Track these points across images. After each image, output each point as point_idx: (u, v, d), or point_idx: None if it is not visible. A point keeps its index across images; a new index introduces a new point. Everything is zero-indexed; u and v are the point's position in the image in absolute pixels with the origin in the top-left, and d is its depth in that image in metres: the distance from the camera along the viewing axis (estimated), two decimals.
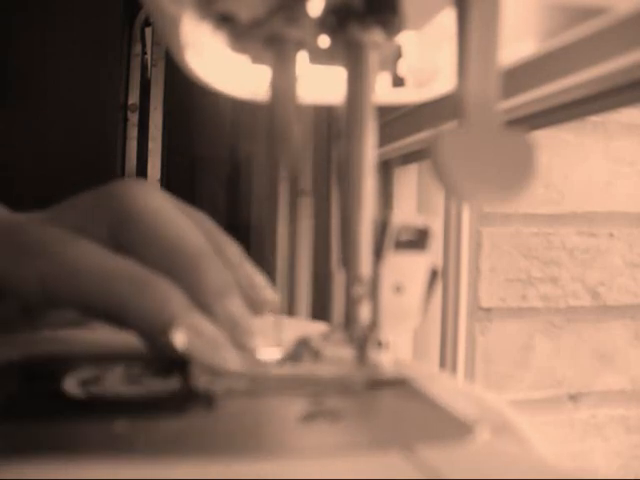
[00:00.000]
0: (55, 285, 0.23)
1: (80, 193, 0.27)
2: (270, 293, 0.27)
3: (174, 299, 0.22)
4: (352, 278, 0.21)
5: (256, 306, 0.26)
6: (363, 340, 0.20)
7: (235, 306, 0.23)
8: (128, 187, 0.26)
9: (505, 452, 0.17)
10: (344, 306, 0.21)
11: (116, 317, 0.22)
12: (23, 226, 0.25)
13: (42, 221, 0.26)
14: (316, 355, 0.21)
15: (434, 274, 0.21)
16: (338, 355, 0.21)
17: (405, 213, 0.20)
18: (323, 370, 0.20)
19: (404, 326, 0.21)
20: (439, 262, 0.60)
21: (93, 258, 0.23)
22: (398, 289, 0.20)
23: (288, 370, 0.21)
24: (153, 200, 0.26)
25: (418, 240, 0.20)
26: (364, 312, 0.21)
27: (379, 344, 0.21)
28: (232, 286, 0.24)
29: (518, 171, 0.17)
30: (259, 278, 0.27)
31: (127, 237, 0.25)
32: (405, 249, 0.20)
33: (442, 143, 0.17)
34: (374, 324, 0.20)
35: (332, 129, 0.61)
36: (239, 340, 0.22)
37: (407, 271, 0.20)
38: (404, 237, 0.20)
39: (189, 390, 0.19)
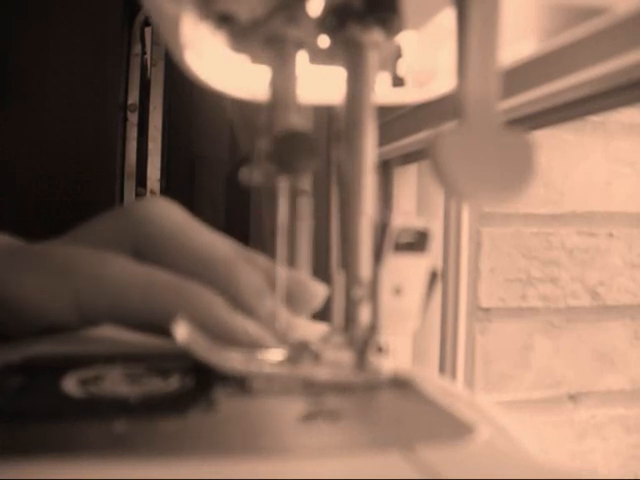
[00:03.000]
0: (92, 301, 0.23)
1: (97, 216, 0.27)
2: (319, 287, 0.27)
3: (217, 303, 0.22)
4: (352, 280, 0.21)
5: (305, 301, 0.26)
6: (363, 343, 0.20)
7: (274, 305, 0.24)
8: (148, 205, 0.26)
9: (505, 452, 0.17)
10: (344, 308, 0.21)
11: (159, 326, 0.22)
12: (48, 248, 0.25)
13: (63, 244, 0.26)
14: (316, 358, 0.21)
15: (434, 276, 0.21)
16: (338, 358, 0.21)
17: (404, 215, 0.20)
18: (322, 373, 0.20)
19: (403, 328, 0.21)
20: (439, 264, 0.60)
21: (129, 270, 0.23)
22: (398, 291, 0.20)
23: (287, 372, 0.21)
24: (175, 215, 0.26)
25: (418, 242, 0.20)
26: (364, 314, 0.21)
27: (379, 348, 0.21)
28: (266, 287, 0.24)
29: (518, 171, 0.17)
30: (302, 275, 0.27)
31: (154, 253, 0.25)
32: (405, 251, 0.20)
33: (442, 143, 0.17)
34: (374, 327, 0.20)
35: (332, 129, 0.61)
36: (283, 337, 0.23)
37: (407, 273, 0.20)
38: (404, 239, 0.20)
39: (189, 390, 0.19)
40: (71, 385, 0.19)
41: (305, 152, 0.21)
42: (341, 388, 0.20)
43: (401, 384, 0.21)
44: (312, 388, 0.20)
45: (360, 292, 0.21)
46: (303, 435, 0.17)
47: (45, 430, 0.16)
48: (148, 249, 0.25)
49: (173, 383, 0.20)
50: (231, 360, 0.20)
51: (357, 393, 0.20)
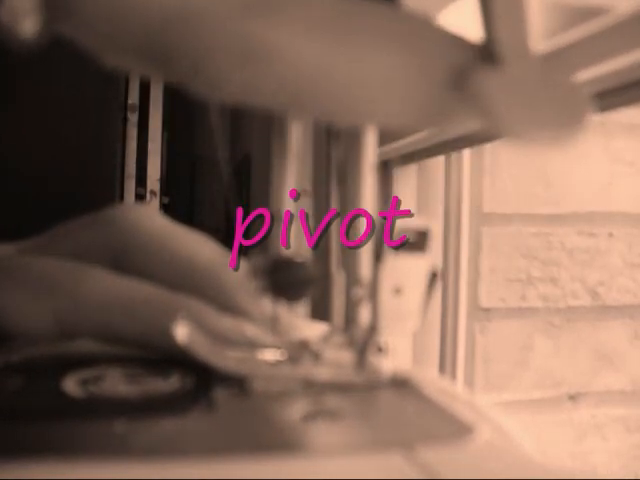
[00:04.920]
0: (73, 319, 0.22)
1: (73, 219, 0.26)
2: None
3: (205, 311, 0.22)
4: (352, 280, 0.21)
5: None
6: (363, 343, 0.20)
7: (267, 304, 0.23)
8: (127, 211, 0.25)
9: (505, 452, 0.17)
10: (344, 308, 0.21)
11: (143, 342, 0.22)
12: (25, 261, 0.24)
13: (38, 249, 0.25)
14: (316, 358, 0.21)
15: (433, 276, 0.21)
16: (338, 358, 0.21)
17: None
18: (322, 373, 0.20)
19: (403, 328, 0.21)
20: (438, 264, 0.60)
21: (109, 286, 0.22)
22: (397, 291, 0.20)
23: (287, 372, 0.21)
24: (156, 222, 0.25)
25: (417, 242, 0.20)
26: (364, 314, 0.21)
27: (379, 348, 0.21)
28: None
29: (568, 109, 0.16)
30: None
31: (137, 262, 0.24)
32: (404, 251, 0.20)
33: (486, 80, 0.15)
34: (374, 327, 0.20)
35: (332, 129, 0.60)
36: (281, 334, 0.22)
37: (406, 273, 0.20)
38: None
39: (189, 390, 0.19)
40: (71, 385, 0.19)
41: (301, 282, 0.21)
42: (341, 388, 0.20)
43: (401, 384, 0.21)
44: (312, 388, 0.20)
45: (360, 292, 0.21)
46: (303, 435, 0.17)
47: (45, 430, 0.16)
48: (130, 259, 0.24)
49: (173, 383, 0.20)
50: (231, 360, 0.20)
51: (357, 393, 0.20)
